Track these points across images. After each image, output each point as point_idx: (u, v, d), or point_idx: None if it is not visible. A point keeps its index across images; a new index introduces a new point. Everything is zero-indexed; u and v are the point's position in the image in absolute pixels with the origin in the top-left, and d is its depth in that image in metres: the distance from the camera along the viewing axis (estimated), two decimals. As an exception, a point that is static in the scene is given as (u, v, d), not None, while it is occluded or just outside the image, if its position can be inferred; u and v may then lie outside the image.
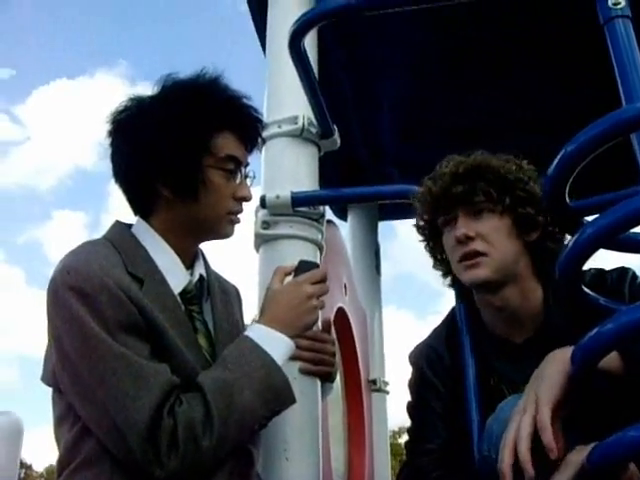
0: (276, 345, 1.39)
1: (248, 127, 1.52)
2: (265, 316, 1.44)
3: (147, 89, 1.52)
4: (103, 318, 1.27)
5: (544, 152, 1.14)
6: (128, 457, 1.23)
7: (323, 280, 1.51)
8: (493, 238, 1.56)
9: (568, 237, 1.54)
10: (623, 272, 1.54)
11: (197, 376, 1.33)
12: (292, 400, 1.39)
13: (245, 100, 1.51)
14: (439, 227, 1.65)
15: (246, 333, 1.41)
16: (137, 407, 1.22)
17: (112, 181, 1.50)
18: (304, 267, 1.53)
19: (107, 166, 1.49)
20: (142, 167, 1.44)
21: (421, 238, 1.73)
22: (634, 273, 1.54)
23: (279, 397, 1.36)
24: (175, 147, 1.41)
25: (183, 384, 1.31)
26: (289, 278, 1.53)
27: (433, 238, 1.70)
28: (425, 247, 1.73)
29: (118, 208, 1.54)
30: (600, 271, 1.57)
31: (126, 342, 1.27)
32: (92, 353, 1.26)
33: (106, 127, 1.49)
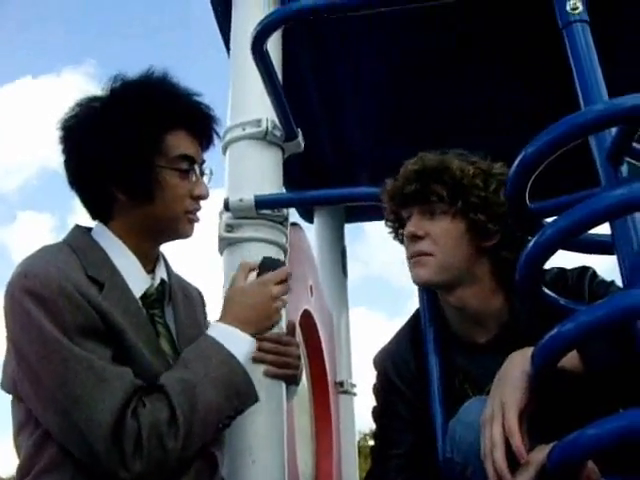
0: (238, 343, 1.40)
1: (200, 124, 1.51)
2: (227, 315, 1.45)
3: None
4: (62, 323, 1.26)
5: (512, 154, 1.15)
6: (92, 460, 1.22)
7: (286, 279, 1.52)
8: (442, 240, 1.56)
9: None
10: (583, 271, 1.56)
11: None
12: (255, 398, 1.40)
13: (195, 97, 1.51)
14: (404, 219, 1.66)
15: (207, 332, 1.41)
16: (100, 410, 1.21)
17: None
18: (268, 264, 1.54)
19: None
20: (94, 173, 1.42)
21: (389, 230, 1.74)
22: (594, 272, 1.56)
23: (242, 395, 1.37)
24: (125, 150, 1.40)
25: (146, 387, 1.30)
26: (252, 274, 1.53)
27: (399, 229, 1.71)
28: (394, 238, 1.74)
29: (85, 210, 1.52)
30: (561, 270, 1.59)
31: (86, 346, 1.26)
32: (53, 357, 1.24)
33: (56, 134, 1.47)
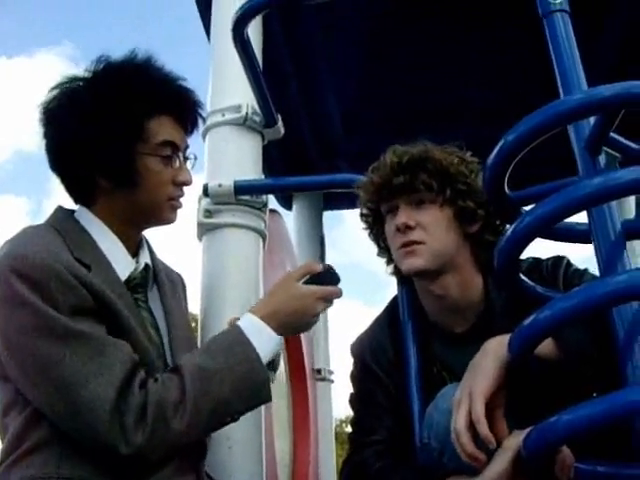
0: (265, 341, 1.38)
1: (184, 109, 1.49)
2: (265, 308, 1.43)
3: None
4: (56, 304, 1.24)
5: (488, 143, 1.16)
6: (91, 436, 1.21)
7: (335, 298, 1.50)
8: (432, 228, 1.58)
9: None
10: (558, 260, 1.58)
11: (150, 358, 1.33)
12: (268, 399, 1.39)
13: (180, 82, 1.49)
14: (382, 215, 1.66)
15: (238, 323, 1.40)
16: (101, 383, 1.21)
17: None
18: (328, 276, 1.49)
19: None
20: (76, 159, 1.40)
21: (364, 226, 1.74)
22: (568, 261, 1.58)
23: (256, 394, 1.36)
24: (106, 136, 1.37)
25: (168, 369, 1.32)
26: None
27: (376, 225, 1.71)
28: (369, 235, 1.75)
29: (62, 193, 1.49)
30: (537, 260, 1.61)
31: (82, 324, 1.25)
32: (48, 334, 1.23)
33: (37, 117, 1.44)
